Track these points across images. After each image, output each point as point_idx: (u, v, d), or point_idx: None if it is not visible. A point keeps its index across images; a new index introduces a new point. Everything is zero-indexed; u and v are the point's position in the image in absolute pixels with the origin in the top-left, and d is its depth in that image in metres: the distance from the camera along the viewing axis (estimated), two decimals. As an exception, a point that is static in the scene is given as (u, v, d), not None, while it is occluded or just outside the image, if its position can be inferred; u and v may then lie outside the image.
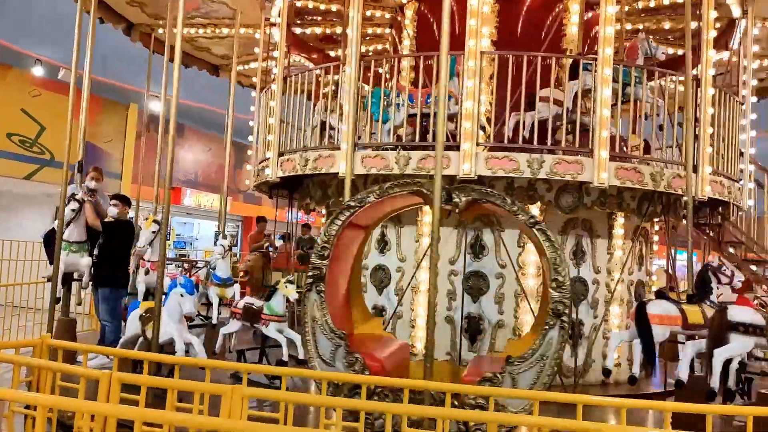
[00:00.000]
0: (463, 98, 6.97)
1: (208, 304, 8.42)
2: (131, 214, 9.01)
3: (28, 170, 14.66)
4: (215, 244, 8.80)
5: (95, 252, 7.57)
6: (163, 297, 6.11)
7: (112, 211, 7.60)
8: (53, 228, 7.61)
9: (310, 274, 5.12)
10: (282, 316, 6.90)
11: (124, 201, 7.79)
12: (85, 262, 7.41)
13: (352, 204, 5.30)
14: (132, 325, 6.54)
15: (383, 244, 8.29)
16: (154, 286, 7.06)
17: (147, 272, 7.55)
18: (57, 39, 11.94)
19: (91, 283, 7.66)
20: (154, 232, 7.50)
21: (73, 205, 7.31)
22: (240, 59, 11.01)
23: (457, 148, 6.86)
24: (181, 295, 6.14)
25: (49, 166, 14.91)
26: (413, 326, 7.91)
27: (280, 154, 8.40)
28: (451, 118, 7.17)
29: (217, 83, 13.93)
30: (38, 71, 14.09)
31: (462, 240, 7.80)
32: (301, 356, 6.30)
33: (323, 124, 8.40)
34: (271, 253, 12.08)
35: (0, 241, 11.06)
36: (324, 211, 10.21)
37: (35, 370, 4.07)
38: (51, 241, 7.47)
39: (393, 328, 7.98)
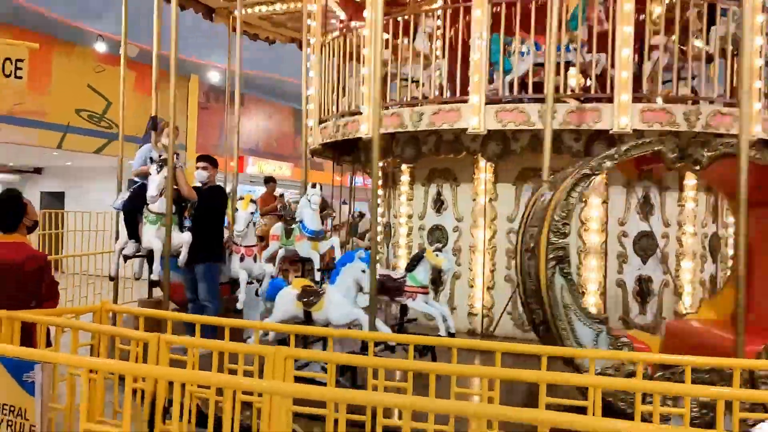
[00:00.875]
0: (618, 45, 6.58)
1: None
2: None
3: (97, 144, 15.18)
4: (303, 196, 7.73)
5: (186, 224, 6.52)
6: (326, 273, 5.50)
7: (201, 175, 6.58)
8: (131, 197, 6.56)
9: (551, 256, 4.33)
10: (427, 287, 6.08)
11: (214, 163, 6.71)
12: (185, 237, 6.25)
13: (588, 172, 4.50)
14: (285, 306, 5.58)
15: (439, 204, 8.14)
16: (256, 273, 6.69)
17: (242, 258, 6.70)
18: (115, 14, 12.20)
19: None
20: (252, 212, 6.77)
21: (165, 171, 6.02)
22: (298, 24, 10.90)
23: (609, 100, 6.54)
24: (363, 271, 5.16)
25: (117, 140, 15.36)
26: (472, 286, 7.76)
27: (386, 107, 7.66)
28: (585, 68, 6.89)
29: (273, 48, 13.93)
30: (101, 47, 14.47)
31: (521, 198, 7.55)
32: (442, 332, 5.82)
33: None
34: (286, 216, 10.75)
35: (74, 213, 11.57)
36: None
37: (95, 335, 4.18)
38: (134, 213, 6.46)
39: (451, 288, 7.87)
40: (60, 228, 12.26)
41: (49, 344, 4.10)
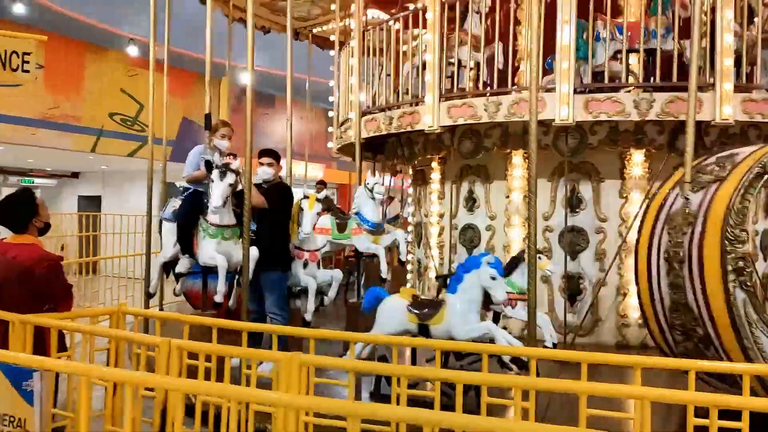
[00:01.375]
0: (718, 31, 6.12)
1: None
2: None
3: (130, 148, 15.27)
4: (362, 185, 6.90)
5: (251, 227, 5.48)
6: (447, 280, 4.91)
7: (266, 173, 5.67)
8: (186, 207, 5.76)
9: (731, 267, 3.98)
10: (526, 293, 5.28)
11: (278, 158, 5.87)
12: (253, 253, 5.31)
13: (760, 171, 4.18)
14: (393, 320, 4.88)
15: (471, 202, 7.84)
16: (320, 280, 5.94)
17: (305, 264, 5.87)
18: (145, 17, 12.24)
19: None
20: (319, 213, 6.02)
21: (230, 178, 5.19)
22: (316, 20, 10.77)
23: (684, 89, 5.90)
24: (492, 278, 4.64)
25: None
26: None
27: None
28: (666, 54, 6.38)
29: (303, 50, 13.83)
30: (133, 51, 14.55)
31: (557, 193, 7.21)
32: (548, 343, 5.36)
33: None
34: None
35: (111, 215, 11.68)
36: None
37: (112, 339, 4.03)
38: (189, 225, 5.61)
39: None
40: (97, 230, 12.38)
41: (64, 349, 3.96)
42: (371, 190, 6.62)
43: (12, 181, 18.85)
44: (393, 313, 4.90)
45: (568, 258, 7.10)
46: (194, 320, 4.17)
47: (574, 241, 7.12)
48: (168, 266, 6.08)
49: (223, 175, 5.17)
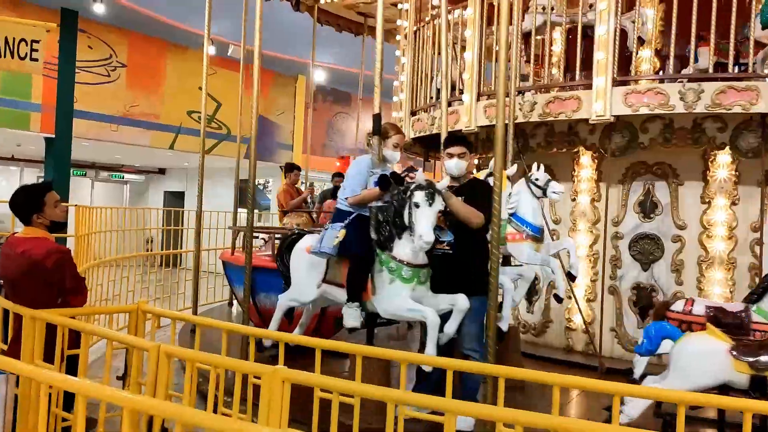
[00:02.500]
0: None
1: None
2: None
3: (208, 145, 15.56)
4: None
5: (444, 239, 4.16)
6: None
7: (459, 167, 4.42)
8: (356, 238, 4.30)
9: None
10: None
11: (470, 147, 4.68)
12: (460, 304, 4.08)
13: None
14: (708, 369, 3.87)
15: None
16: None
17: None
18: (225, 16, 12.40)
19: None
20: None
21: (439, 203, 3.95)
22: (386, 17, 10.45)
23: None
24: None
25: (227, 140, 15.73)
26: (570, 297, 6.85)
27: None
28: None
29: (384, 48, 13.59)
30: (211, 50, 14.80)
31: (628, 198, 6.55)
32: None
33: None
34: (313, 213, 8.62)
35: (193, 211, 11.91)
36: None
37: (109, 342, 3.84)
38: (368, 262, 4.23)
39: (546, 300, 7.01)
40: (180, 225, 12.74)
41: (77, 346, 3.84)
42: (539, 186, 5.10)
43: (103, 176, 19.81)
44: (709, 359, 3.85)
45: (640, 268, 6.44)
46: (208, 323, 3.95)
47: (647, 249, 6.44)
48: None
49: (431, 198, 3.91)
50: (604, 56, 5.69)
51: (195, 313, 6.60)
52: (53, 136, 12.20)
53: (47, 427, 3.53)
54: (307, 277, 4.60)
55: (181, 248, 12.80)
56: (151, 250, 12.81)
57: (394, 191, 4.10)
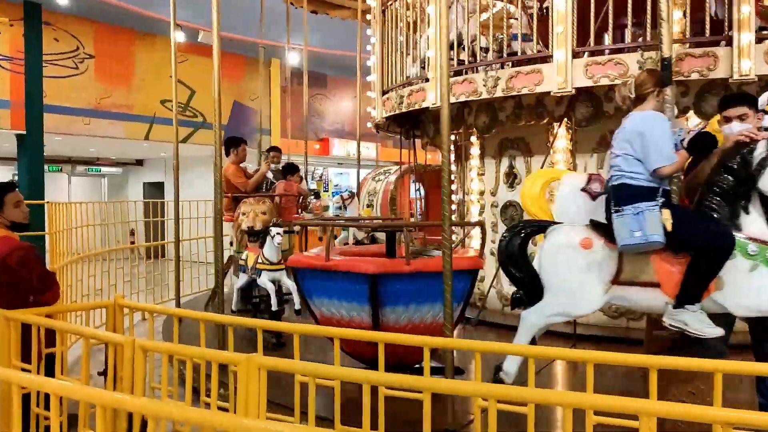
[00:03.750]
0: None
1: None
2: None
3: (183, 134, 15.39)
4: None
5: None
6: None
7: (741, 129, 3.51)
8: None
9: None
10: None
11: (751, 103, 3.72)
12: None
13: None
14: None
15: (512, 177, 7.30)
16: None
17: None
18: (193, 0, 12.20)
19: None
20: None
21: None
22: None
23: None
24: None
25: (204, 128, 15.58)
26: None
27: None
28: None
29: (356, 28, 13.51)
30: (180, 36, 14.54)
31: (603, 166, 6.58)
32: None
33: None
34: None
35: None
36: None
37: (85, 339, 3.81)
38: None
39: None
40: (161, 216, 12.60)
41: (53, 344, 3.81)
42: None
43: (80, 170, 19.54)
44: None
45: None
46: (186, 314, 3.92)
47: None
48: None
49: None
50: (563, 29, 5.69)
51: (178, 304, 6.56)
52: (24, 132, 12.00)
53: (29, 428, 3.53)
54: (587, 282, 3.64)
55: (163, 239, 12.69)
56: (135, 243, 12.71)
57: (732, 154, 3.38)
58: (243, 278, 6.47)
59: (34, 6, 11.93)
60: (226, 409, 3.13)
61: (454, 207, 8.53)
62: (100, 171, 20.15)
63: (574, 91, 5.72)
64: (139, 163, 20.72)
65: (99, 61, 13.62)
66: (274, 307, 5.92)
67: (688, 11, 5.70)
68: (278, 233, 5.90)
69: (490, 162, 7.65)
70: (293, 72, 18.63)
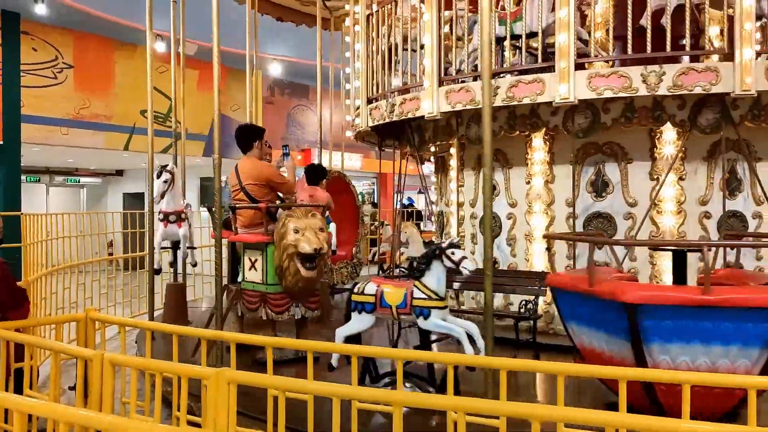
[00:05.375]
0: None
1: None
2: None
3: (163, 144, 15.29)
4: None
5: None
6: None
7: None
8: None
9: None
10: None
11: None
12: None
13: None
14: None
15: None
16: None
17: None
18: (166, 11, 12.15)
19: None
20: None
21: None
22: (332, 2, 10.41)
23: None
24: None
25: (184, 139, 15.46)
26: (529, 279, 6.91)
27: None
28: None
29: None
30: (160, 47, 14.51)
31: (581, 179, 6.64)
32: None
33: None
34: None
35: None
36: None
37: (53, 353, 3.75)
38: None
39: (506, 282, 7.06)
40: (139, 227, 12.46)
41: (22, 359, 3.74)
42: None
43: (58, 180, 19.34)
44: None
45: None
46: (159, 327, 3.86)
47: (601, 227, 6.54)
48: None
49: None
50: (566, 39, 5.67)
51: (151, 317, 6.46)
52: (1, 142, 11.85)
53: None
54: None
55: (143, 251, 12.56)
56: (113, 254, 12.57)
57: None
58: (366, 320, 4.60)
59: (12, 16, 11.82)
60: (197, 424, 3.08)
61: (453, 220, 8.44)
62: (78, 181, 19.94)
63: (576, 102, 5.68)
64: (119, 173, 20.55)
65: (78, 70, 13.51)
66: (470, 350, 4.19)
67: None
68: (464, 257, 4.35)
69: (469, 173, 7.68)
70: (275, 82, 18.67)
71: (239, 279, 5.72)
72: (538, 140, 6.86)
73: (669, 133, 6.25)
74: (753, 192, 6.39)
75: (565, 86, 5.60)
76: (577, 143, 6.52)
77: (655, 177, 6.34)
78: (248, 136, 5.78)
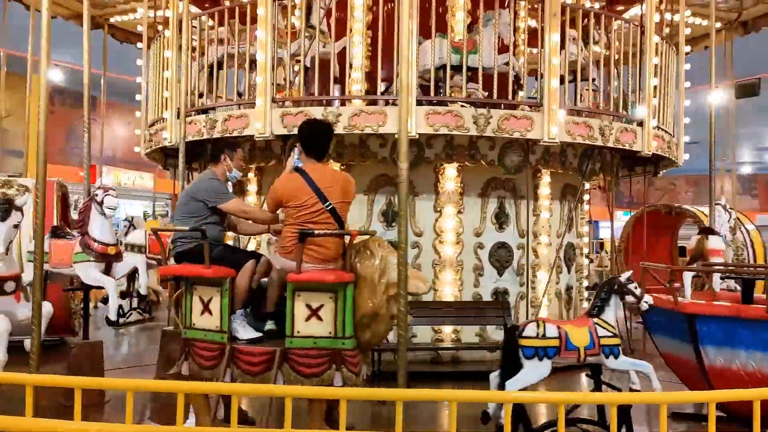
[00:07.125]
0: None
1: None
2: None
3: None
4: None
5: None
6: None
7: None
8: None
9: None
10: None
11: None
12: None
13: None
14: None
15: (391, 217, 7.02)
16: None
17: None
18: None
19: None
20: None
21: None
22: (115, 9, 9.83)
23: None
24: None
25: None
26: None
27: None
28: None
29: (121, 49, 12.82)
30: None
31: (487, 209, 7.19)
32: None
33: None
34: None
35: None
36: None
37: None
38: None
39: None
40: None
41: None
42: None
43: None
44: None
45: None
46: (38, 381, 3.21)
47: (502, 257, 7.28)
48: None
49: None
50: (262, 80, 6.36)
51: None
52: None
53: None
54: None
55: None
56: None
57: None
58: (547, 368, 4.21)
59: None
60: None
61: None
62: None
63: (272, 137, 6.44)
64: None
65: None
66: (658, 386, 4.37)
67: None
68: (636, 287, 4.39)
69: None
70: (55, 90, 17.10)
71: (183, 326, 4.39)
72: (451, 170, 7.06)
73: (450, 170, 6.96)
74: (517, 224, 7.30)
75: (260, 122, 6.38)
76: (370, 174, 6.93)
77: (438, 210, 6.99)
78: (326, 137, 4.34)
